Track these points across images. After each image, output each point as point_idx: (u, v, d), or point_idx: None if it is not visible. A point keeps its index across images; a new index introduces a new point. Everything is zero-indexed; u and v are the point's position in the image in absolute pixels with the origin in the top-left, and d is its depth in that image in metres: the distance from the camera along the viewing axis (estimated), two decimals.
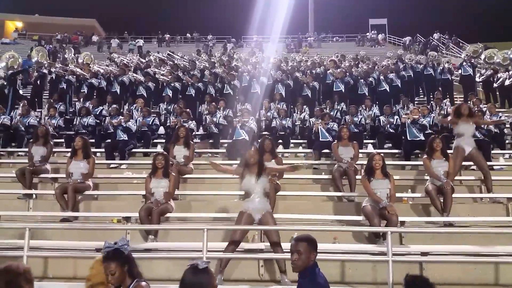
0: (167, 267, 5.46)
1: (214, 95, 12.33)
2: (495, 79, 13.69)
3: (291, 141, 10.27)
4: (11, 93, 12.23)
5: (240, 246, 5.38)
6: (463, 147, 7.23)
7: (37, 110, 12.52)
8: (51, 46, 27.00)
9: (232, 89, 12.64)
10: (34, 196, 7.68)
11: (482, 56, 14.39)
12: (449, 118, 7.80)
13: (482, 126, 9.28)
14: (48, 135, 8.30)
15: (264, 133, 10.14)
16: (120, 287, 3.20)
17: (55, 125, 10.35)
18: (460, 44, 27.43)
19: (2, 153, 9.98)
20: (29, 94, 13.69)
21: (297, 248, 3.26)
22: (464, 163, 7.88)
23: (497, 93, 13.93)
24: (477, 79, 14.28)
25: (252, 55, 18.65)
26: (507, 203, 6.96)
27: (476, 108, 10.33)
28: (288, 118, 10.63)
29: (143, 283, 3.20)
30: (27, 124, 10.13)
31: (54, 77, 13.79)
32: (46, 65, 14.36)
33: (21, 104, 11.08)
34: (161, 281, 5.24)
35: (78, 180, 7.07)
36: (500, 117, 10.06)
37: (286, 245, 5.71)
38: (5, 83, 12.45)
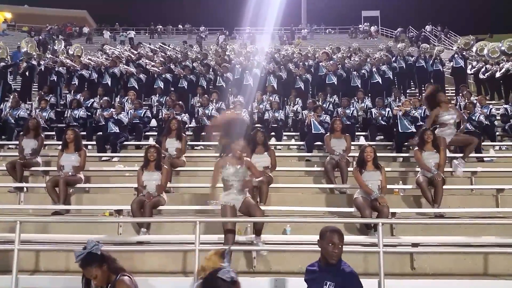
0: (159, 260, 5.46)
1: (206, 87, 12.27)
2: (482, 71, 13.76)
3: (284, 133, 10.28)
4: (1, 86, 12.06)
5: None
6: (444, 138, 7.44)
7: (28, 102, 12.39)
8: (41, 37, 26.63)
9: (224, 81, 12.59)
10: (25, 189, 7.61)
11: (474, 48, 14.46)
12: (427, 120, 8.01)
13: (473, 118, 9.37)
14: (39, 127, 8.21)
15: (256, 125, 10.13)
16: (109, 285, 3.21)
17: (46, 117, 10.26)
18: (452, 36, 27.56)
19: None
20: (19, 86, 13.52)
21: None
22: (455, 154, 7.99)
23: (487, 85, 14.02)
24: (468, 71, 14.35)
25: (244, 47, 18.54)
26: (496, 194, 7.04)
27: (467, 100, 10.42)
28: (280, 111, 10.62)
29: (126, 277, 3.19)
30: (17, 117, 10.02)
31: (43, 68, 13.63)
32: (35, 56, 14.18)
33: (11, 97, 10.95)
34: (154, 273, 5.25)
35: (70, 173, 7.02)
36: (491, 109, 10.15)
37: (277, 237, 5.78)
38: None
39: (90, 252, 3.18)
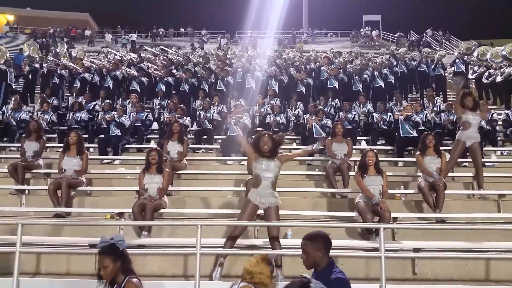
0: (160, 263, 5.46)
1: (207, 90, 12.30)
2: (485, 76, 13.76)
3: (285, 137, 10.27)
4: (3, 88, 12.09)
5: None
6: (464, 141, 7.20)
7: (30, 105, 12.42)
8: (44, 40, 26.72)
9: (225, 85, 12.61)
10: (26, 191, 7.61)
11: (475, 53, 14.46)
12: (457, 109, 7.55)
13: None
14: (40, 130, 8.22)
15: (258, 129, 10.13)
16: (114, 284, 3.21)
17: (48, 120, 10.27)
18: (453, 41, 27.60)
19: None
20: (21, 89, 13.55)
21: (303, 247, 3.31)
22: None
23: (489, 90, 14.02)
24: (470, 76, 14.35)
25: (245, 50, 18.59)
26: (498, 199, 7.02)
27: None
28: (282, 114, 10.64)
29: (135, 280, 3.22)
30: (18, 119, 10.05)
31: (46, 71, 13.66)
32: (37, 59, 14.22)
33: (12, 99, 10.97)
34: (155, 277, 5.25)
35: (72, 176, 7.01)
36: (493, 114, 10.14)
37: (280, 242, 5.75)
38: None
39: (113, 244, 3.23)
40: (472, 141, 7.24)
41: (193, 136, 10.14)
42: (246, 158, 7.81)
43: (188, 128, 10.08)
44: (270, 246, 5.17)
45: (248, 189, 5.36)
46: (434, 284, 5.16)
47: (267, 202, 5.13)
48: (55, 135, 10.17)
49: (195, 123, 10.76)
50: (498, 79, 12.98)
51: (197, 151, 9.74)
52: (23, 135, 8.40)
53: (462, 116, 7.29)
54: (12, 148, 9.76)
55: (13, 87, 12.77)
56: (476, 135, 7.28)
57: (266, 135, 5.26)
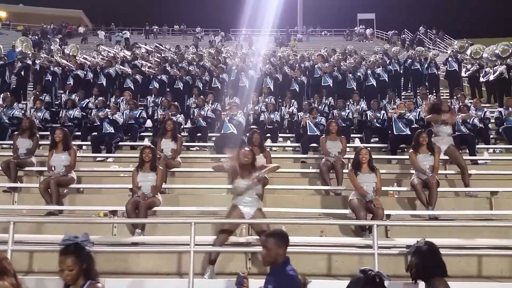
0: (154, 261, 5.45)
1: (202, 88, 12.26)
2: (481, 74, 13.85)
3: (279, 135, 10.29)
4: None
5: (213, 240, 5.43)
6: (439, 146, 7.37)
7: (22, 102, 12.32)
8: (36, 37, 26.51)
9: (220, 82, 12.59)
10: (19, 189, 7.56)
11: (468, 51, 14.55)
12: (429, 116, 8.02)
13: (468, 120, 9.42)
14: (33, 127, 8.15)
15: (252, 127, 10.14)
16: (70, 286, 2.94)
17: (41, 117, 10.18)
18: (447, 39, 27.74)
19: None
20: (14, 85, 13.42)
21: (265, 243, 3.34)
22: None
23: (484, 88, 14.12)
24: (463, 74, 14.44)
25: (239, 48, 18.56)
26: (490, 196, 7.08)
27: (461, 103, 10.47)
28: (276, 112, 10.63)
29: (99, 285, 2.95)
30: (11, 116, 9.96)
31: (38, 68, 13.56)
32: (30, 55, 14.10)
33: (3, 96, 10.86)
34: (148, 274, 5.24)
35: (61, 173, 6.96)
36: (485, 112, 10.22)
37: None
38: None
39: (79, 243, 2.94)
40: (445, 146, 7.58)
41: (187, 134, 10.11)
42: None
43: (182, 126, 10.05)
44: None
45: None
46: None
47: (252, 212, 5.19)
48: (48, 133, 10.09)
49: (189, 121, 10.74)
50: (491, 77, 13.08)
51: (191, 148, 9.72)
52: (16, 132, 8.33)
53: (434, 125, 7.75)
54: (4, 146, 9.67)
55: (9, 84, 12.67)
56: (446, 139, 7.67)
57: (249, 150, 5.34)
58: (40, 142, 9.01)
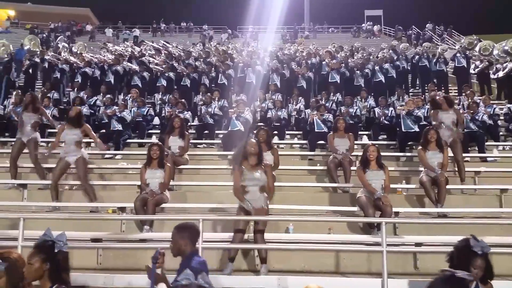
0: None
1: (209, 85, 12.28)
2: (492, 71, 13.71)
3: (287, 132, 10.27)
4: (4, 82, 12.09)
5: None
6: (445, 140, 7.31)
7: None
8: (44, 35, 26.67)
9: (226, 78, 12.58)
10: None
11: (477, 48, 14.40)
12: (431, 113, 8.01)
13: (477, 117, 9.35)
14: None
15: (259, 124, 10.13)
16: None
17: (49, 115, 10.23)
18: (455, 36, 27.49)
19: None
20: (22, 83, 13.53)
21: (172, 235, 3.49)
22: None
23: (493, 85, 13.98)
24: (471, 71, 14.30)
25: (246, 45, 18.55)
26: (500, 194, 7.02)
27: (470, 100, 10.39)
28: (283, 109, 10.61)
29: None
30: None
31: (47, 66, 13.64)
32: (38, 53, 14.19)
33: (14, 93, 10.96)
34: None
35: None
36: (494, 108, 10.12)
37: (280, 236, 5.77)
38: None
39: (53, 241, 2.77)
40: (450, 138, 7.47)
41: (194, 131, 10.13)
42: None
43: (189, 123, 10.07)
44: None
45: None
46: None
47: (258, 205, 5.16)
48: (56, 130, 10.14)
49: (196, 118, 10.75)
50: (500, 74, 12.95)
51: (198, 146, 9.74)
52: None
53: (437, 117, 7.66)
54: (13, 143, 9.73)
55: (15, 81, 12.77)
56: (449, 132, 7.54)
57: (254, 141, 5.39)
58: (48, 139, 9.10)
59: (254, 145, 5.27)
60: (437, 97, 8.35)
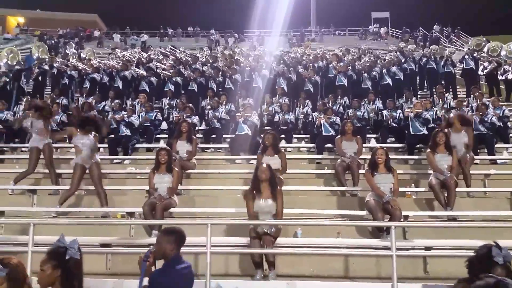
0: None
1: (216, 90, 12.31)
2: (500, 72, 13.61)
3: (294, 135, 10.26)
4: (15, 90, 12.24)
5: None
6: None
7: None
8: (53, 41, 26.98)
9: (233, 83, 12.61)
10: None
11: (485, 49, 14.30)
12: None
13: (486, 119, 9.26)
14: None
15: (266, 128, 10.12)
16: None
17: (58, 120, 10.35)
18: (463, 37, 27.32)
19: (5, 149, 10.00)
20: (32, 90, 13.68)
21: (157, 238, 3.51)
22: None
23: (502, 86, 13.86)
24: (480, 72, 14.21)
25: (253, 49, 18.58)
26: (510, 197, 6.94)
27: (479, 102, 10.31)
28: (290, 113, 10.60)
29: None
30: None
31: (55, 72, 13.78)
32: (47, 60, 14.35)
33: (24, 100, 11.09)
34: None
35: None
36: (504, 110, 10.03)
37: (288, 240, 5.75)
38: (7, 80, 12.48)
39: (66, 248, 2.75)
40: (460, 153, 7.25)
41: (201, 136, 10.16)
42: (255, 157, 7.83)
43: (197, 127, 10.09)
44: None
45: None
46: (446, 283, 5.09)
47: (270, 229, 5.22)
48: (65, 136, 10.24)
49: (203, 122, 10.78)
50: (510, 75, 12.84)
51: (206, 150, 9.76)
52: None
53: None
54: (23, 149, 9.84)
55: (24, 89, 12.92)
56: (460, 148, 7.29)
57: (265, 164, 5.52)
58: (57, 145, 9.18)
59: (265, 171, 5.38)
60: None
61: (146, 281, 3.29)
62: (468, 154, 7.36)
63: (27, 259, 4.76)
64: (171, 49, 18.69)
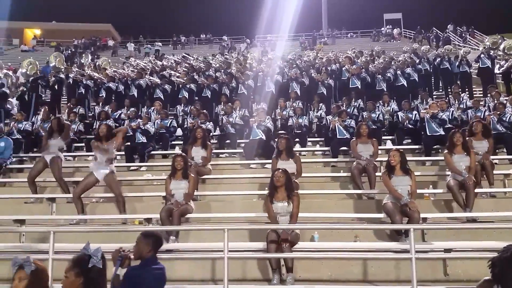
0: (188, 268, 5.50)
1: (229, 95, 12.37)
2: None
3: (308, 139, 10.23)
4: (33, 99, 12.49)
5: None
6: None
7: (57, 115, 12.75)
8: (69, 51, 27.47)
9: (246, 88, 12.65)
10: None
11: (501, 47, 14.07)
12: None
13: (504, 118, 9.10)
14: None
15: (280, 132, 10.12)
16: None
17: (76, 129, 10.52)
18: (478, 36, 26.96)
19: (24, 158, 10.19)
20: (49, 99, 13.93)
21: (137, 239, 3.80)
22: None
23: None
24: (496, 71, 13.98)
25: (264, 54, 18.63)
26: None
27: (496, 101, 10.14)
28: (304, 116, 10.59)
29: None
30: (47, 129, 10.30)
31: (71, 82, 14.03)
32: (63, 70, 14.61)
33: (42, 110, 11.29)
34: (183, 281, 5.29)
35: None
36: None
37: (306, 244, 5.73)
38: (25, 90, 12.75)
39: (90, 256, 2.81)
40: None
41: (216, 141, 10.20)
42: (270, 161, 7.82)
43: (211, 133, 10.15)
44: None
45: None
46: (467, 285, 5.01)
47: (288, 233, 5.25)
48: (83, 144, 10.41)
49: (217, 128, 10.84)
50: None
51: (221, 155, 9.79)
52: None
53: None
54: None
55: (43, 98, 13.18)
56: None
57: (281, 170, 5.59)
58: (74, 154, 9.31)
59: (280, 178, 5.46)
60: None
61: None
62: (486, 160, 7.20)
63: (48, 267, 4.83)
64: (183, 56, 18.85)
